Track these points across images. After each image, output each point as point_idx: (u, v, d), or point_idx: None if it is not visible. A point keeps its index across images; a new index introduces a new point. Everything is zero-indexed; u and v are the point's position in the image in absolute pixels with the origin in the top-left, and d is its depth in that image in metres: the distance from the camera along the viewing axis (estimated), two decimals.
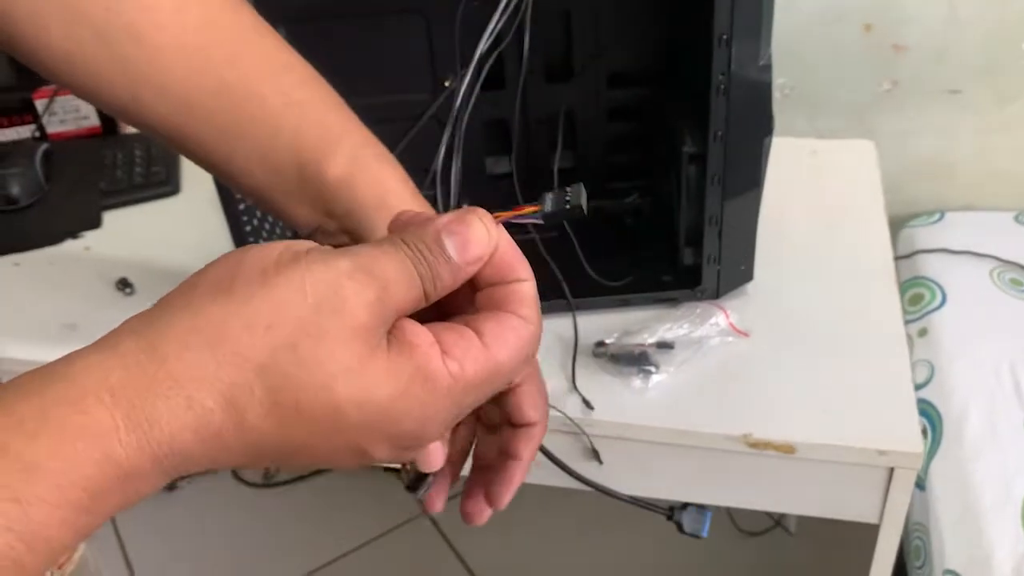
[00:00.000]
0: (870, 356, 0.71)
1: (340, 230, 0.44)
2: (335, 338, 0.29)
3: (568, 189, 0.35)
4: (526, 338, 0.33)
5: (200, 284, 0.30)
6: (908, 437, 0.64)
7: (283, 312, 0.28)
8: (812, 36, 1.14)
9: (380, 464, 0.33)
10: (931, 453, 0.94)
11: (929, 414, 0.97)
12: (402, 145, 0.69)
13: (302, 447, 0.30)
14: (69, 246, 0.94)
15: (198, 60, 0.42)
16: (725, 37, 0.63)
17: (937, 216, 1.22)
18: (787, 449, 0.65)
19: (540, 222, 0.35)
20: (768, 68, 0.66)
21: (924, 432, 0.96)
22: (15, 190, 0.97)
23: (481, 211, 0.33)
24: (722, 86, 0.65)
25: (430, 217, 0.33)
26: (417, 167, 0.62)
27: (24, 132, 1.06)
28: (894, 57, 1.15)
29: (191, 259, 0.88)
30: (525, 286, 0.34)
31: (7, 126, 1.07)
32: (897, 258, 1.18)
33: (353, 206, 0.43)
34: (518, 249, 0.34)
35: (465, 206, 0.34)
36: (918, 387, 1.00)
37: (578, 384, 0.70)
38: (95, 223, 0.95)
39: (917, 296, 1.11)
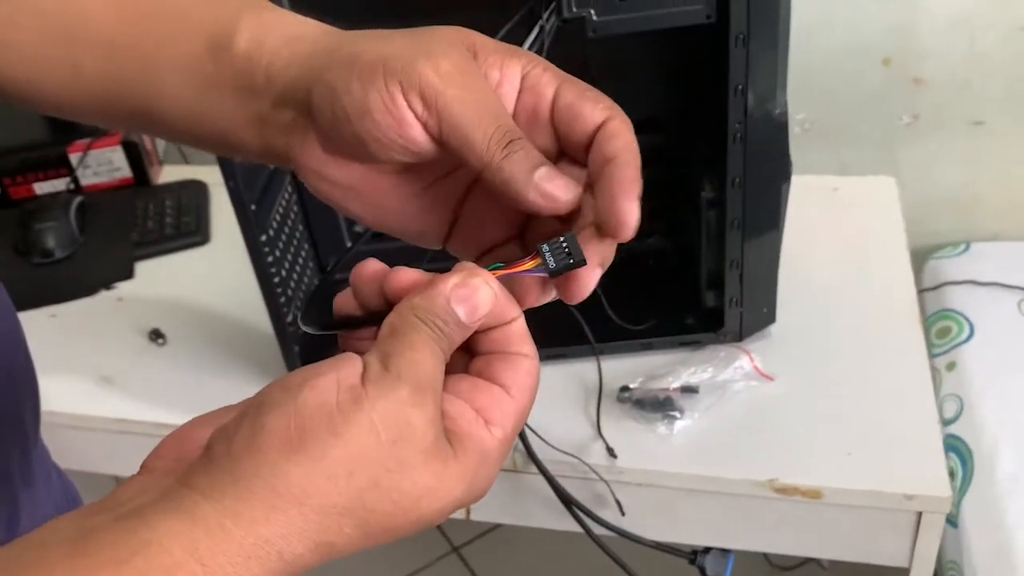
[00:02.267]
0: (895, 398, 0.71)
1: (276, 109, 0.37)
2: (413, 466, 0.30)
3: (563, 239, 0.35)
4: (535, 373, 0.34)
5: (265, 440, 0.29)
6: (935, 481, 0.64)
7: (362, 458, 0.29)
8: (832, 71, 1.15)
9: None
10: (962, 490, 0.93)
11: (959, 450, 0.96)
12: None
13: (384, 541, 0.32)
14: (103, 297, 0.96)
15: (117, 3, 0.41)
16: (740, 87, 0.64)
17: (963, 247, 1.22)
18: (814, 494, 0.65)
19: (544, 274, 0.36)
20: (784, 116, 0.67)
21: (954, 469, 0.95)
22: (51, 243, 0.99)
23: (483, 272, 0.33)
24: (738, 134, 0.66)
25: (433, 281, 0.33)
26: None
27: (59, 185, 1.09)
28: (915, 90, 1.15)
29: (221, 307, 0.90)
30: (518, 323, 0.34)
31: (43, 179, 1.10)
32: (923, 290, 1.18)
33: (272, 68, 0.37)
34: (506, 290, 0.34)
35: (463, 264, 0.34)
36: (947, 422, 1.00)
37: (603, 430, 0.71)
38: (128, 274, 0.98)
39: (945, 329, 1.10)
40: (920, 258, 1.23)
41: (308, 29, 0.37)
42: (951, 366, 1.05)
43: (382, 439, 0.29)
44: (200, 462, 0.30)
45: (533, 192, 0.34)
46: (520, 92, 0.36)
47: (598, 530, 0.68)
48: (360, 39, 0.35)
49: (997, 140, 1.17)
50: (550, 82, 0.36)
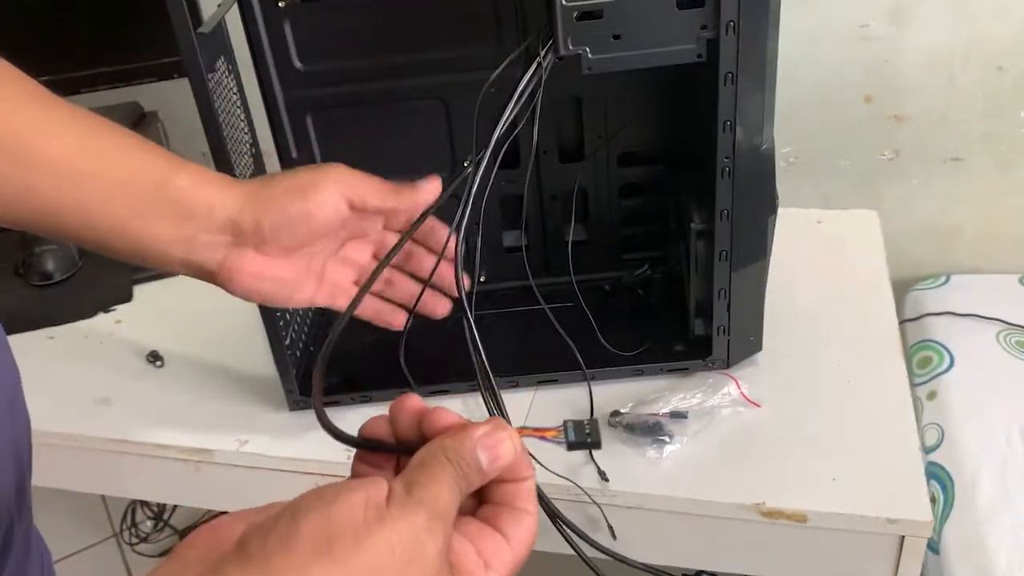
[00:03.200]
0: (878, 425, 0.73)
1: (212, 233, 0.54)
2: None
3: (586, 423, 0.42)
4: (534, 530, 0.39)
5: (298, 542, 0.32)
6: (917, 506, 0.66)
7: (378, 570, 0.32)
8: (815, 107, 1.18)
9: None
10: (943, 517, 0.95)
11: (940, 477, 0.98)
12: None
13: None
14: (101, 320, 0.97)
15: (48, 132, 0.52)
16: (729, 123, 0.66)
17: (943, 279, 1.25)
18: (799, 518, 0.67)
19: (562, 444, 0.41)
20: (771, 151, 0.69)
21: (935, 496, 0.97)
22: (50, 266, 1.01)
23: (509, 428, 0.38)
24: (727, 168, 0.68)
25: (466, 426, 0.38)
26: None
27: None
28: (895, 126, 1.19)
29: (219, 331, 0.92)
30: (529, 483, 0.39)
31: None
32: (904, 321, 1.21)
33: (214, 204, 0.54)
34: (525, 449, 0.39)
35: (495, 418, 0.39)
36: (928, 450, 1.02)
37: (594, 454, 0.72)
38: (127, 297, 0.99)
39: (925, 359, 1.12)
40: (902, 289, 1.26)
41: (230, 182, 0.56)
42: (932, 395, 1.08)
43: (397, 557, 0.33)
44: (233, 554, 0.32)
45: (422, 195, 0.60)
46: None
47: (590, 552, 0.69)
48: (276, 180, 0.57)
49: (975, 176, 1.20)
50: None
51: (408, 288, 0.66)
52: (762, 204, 0.71)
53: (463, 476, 0.36)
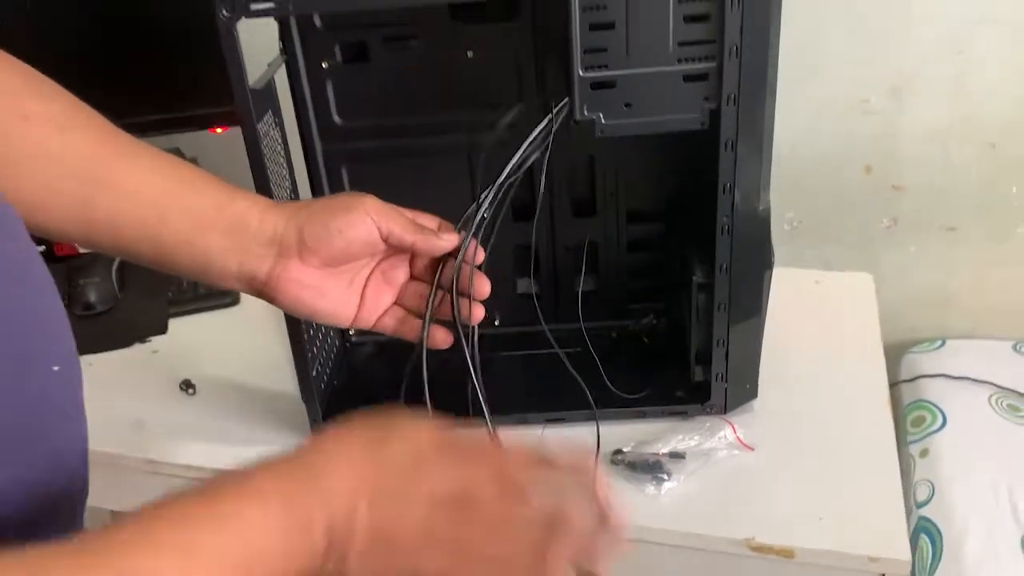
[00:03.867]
0: (864, 471, 0.78)
1: (262, 246, 0.61)
2: None
3: None
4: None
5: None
6: (897, 546, 0.70)
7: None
8: (817, 176, 1.25)
9: None
10: (932, 569, 0.98)
11: (930, 531, 1.02)
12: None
13: None
14: (138, 349, 1.04)
15: (122, 160, 0.59)
16: (729, 185, 0.73)
17: (939, 343, 1.30)
18: (787, 553, 0.71)
19: None
20: (767, 211, 0.75)
21: (924, 550, 1.01)
22: (92, 297, 1.07)
23: None
24: (726, 227, 0.75)
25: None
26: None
27: None
28: (894, 196, 1.25)
29: (248, 363, 0.98)
30: None
31: None
32: (900, 382, 1.26)
33: (264, 220, 0.61)
34: None
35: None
36: (920, 505, 1.06)
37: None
38: (162, 329, 1.06)
39: (919, 419, 1.17)
40: (899, 352, 1.31)
41: (281, 206, 0.62)
42: (924, 453, 1.12)
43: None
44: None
45: (444, 239, 0.64)
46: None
47: None
48: (321, 203, 0.63)
49: (970, 245, 1.26)
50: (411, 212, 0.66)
51: (441, 307, 0.70)
52: (759, 260, 0.77)
53: None
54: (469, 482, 0.45)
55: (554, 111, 0.72)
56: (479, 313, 0.69)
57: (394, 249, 0.64)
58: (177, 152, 1.25)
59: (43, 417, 0.46)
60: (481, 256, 0.67)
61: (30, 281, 0.47)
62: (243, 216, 0.60)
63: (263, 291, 0.61)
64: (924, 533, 1.03)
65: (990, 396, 1.17)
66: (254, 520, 0.41)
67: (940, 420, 1.15)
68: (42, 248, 1.18)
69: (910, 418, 1.18)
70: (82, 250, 1.18)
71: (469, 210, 0.69)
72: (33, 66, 0.58)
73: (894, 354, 1.30)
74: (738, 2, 0.66)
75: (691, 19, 0.68)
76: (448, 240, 0.65)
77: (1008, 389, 1.16)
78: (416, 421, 0.47)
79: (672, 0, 0.67)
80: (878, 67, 1.17)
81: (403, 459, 0.45)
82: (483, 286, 0.67)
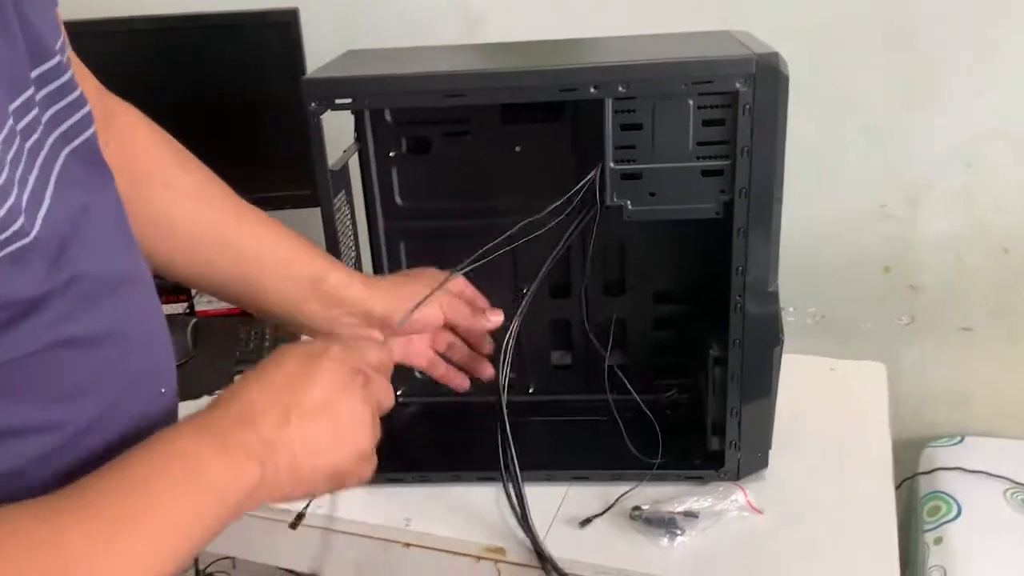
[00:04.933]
0: (864, 540, 0.84)
1: (346, 315, 0.77)
2: None
3: None
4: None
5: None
6: None
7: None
8: (838, 274, 1.33)
9: None
10: None
11: None
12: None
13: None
14: (205, 401, 1.13)
15: (241, 227, 0.74)
16: (740, 268, 0.82)
17: (958, 439, 1.35)
18: None
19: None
20: (775, 293, 0.84)
21: None
22: None
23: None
24: (738, 305, 0.83)
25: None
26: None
27: (178, 308, 1.31)
28: (911, 295, 1.33)
29: None
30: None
31: (165, 303, 1.31)
32: (918, 474, 1.30)
33: (349, 297, 0.76)
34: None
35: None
36: None
37: (615, 539, 0.84)
38: (229, 383, 1.16)
39: (935, 508, 1.22)
40: (919, 446, 1.36)
41: (366, 280, 0.79)
42: (938, 540, 1.16)
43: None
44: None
45: (489, 323, 0.86)
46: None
47: None
48: (401, 283, 0.83)
49: (985, 346, 1.32)
50: (465, 285, 0.89)
51: (463, 352, 0.89)
52: (768, 336, 0.85)
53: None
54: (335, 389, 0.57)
55: (587, 214, 0.84)
56: (488, 369, 0.89)
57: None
58: None
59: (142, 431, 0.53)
60: (496, 321, 0.86)
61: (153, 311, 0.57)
62: (337, 291, 0.75)
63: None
64: None
65: (1005, 490, 1.21)
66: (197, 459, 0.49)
67: (955, 510, 1.19)
68: None
69: (926, 507, 1.23)
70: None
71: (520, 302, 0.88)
72: None
73: (914, 447, 1.35)
74: (749, 110, 0.77)
75: (708, 123, 0.79)
76: (491, 323, 0.86)
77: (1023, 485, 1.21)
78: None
79: (692, 106, 0.79)
80: (894, 176, 1.27)
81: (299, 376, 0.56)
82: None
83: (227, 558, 1.47)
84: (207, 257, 0.69)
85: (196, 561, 1.57)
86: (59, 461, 0.46)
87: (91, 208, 0.48)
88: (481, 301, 0.86)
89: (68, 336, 0.45)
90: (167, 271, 0.70)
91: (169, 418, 0.57)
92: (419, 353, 0.86)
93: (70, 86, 0.50)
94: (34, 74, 0.46)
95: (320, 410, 0.55)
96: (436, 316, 0.81)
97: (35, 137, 0.45)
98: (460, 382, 0.89)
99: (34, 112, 0.45)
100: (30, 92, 0.45)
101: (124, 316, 0.50)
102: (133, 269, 0.52)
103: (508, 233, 0.83)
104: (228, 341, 1.23)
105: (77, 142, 0.49)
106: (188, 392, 1.16)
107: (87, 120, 0.51)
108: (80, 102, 0.51)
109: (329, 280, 0.75)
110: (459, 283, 0.85)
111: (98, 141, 0.52)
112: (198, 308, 1.31)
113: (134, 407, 0.51)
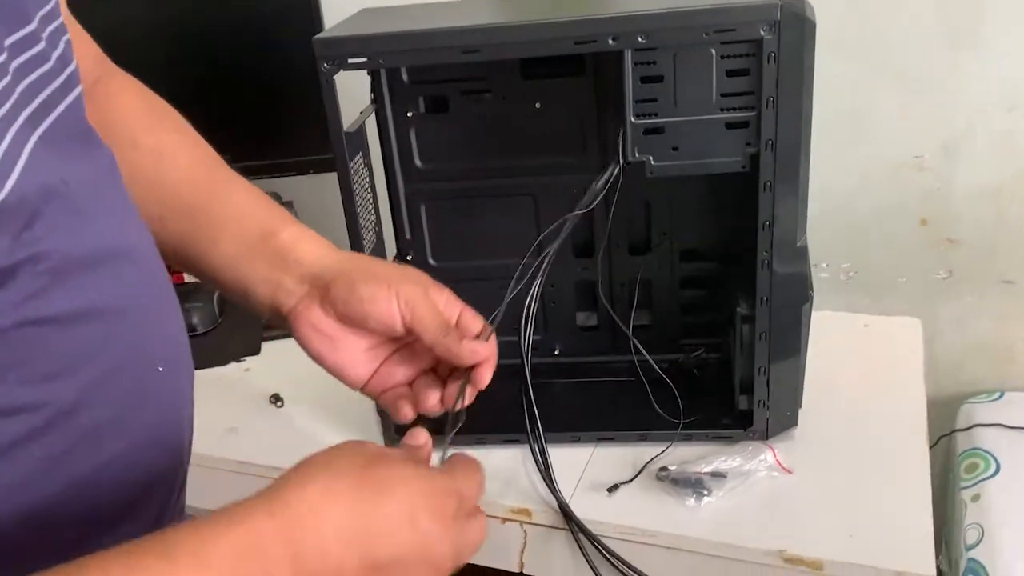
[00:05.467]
0: (897, 497, 0.82)
1: (296, 282, 0.61)
2: None
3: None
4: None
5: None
6: (924, 563, 0.74)
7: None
8: (873, 229, 1.30)
9: None
10: None
11: (978, 573, 1.04)
12: (509, 297, 0.87)
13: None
14: (233, 367, 1.15)
15: (198, 186, 0.65)
16: (768, 223, 0.80)
17: (997, 395, 1.31)
18: (816, 565, 0.76)
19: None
20: (804, 248, 0.82)
21: None
22: (195, 320, 1.20)
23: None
24: (766, 261, 0.81)
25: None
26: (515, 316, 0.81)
27: None
28: (949, 249, 1.28)
29: (331, 382, 1.07)
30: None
31: None
32: (956, 431, 1.28)
33: (304, 259, 0.62)
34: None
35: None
36: (969, 548, 1.08)
37: (642, 500, 0.84)
38: (256, 351, 1.17)
39: (972, 465, 1.19)
40: (957, 402, 1.32)
41: (328, 246, 0.63)
42: (975, 498, 1.14)
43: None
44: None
45: (466, 351, 0.59)
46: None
47: None
48: (367, 261, 0.63)
49: None
50: (454, 303, 0.63)
51: (429, 397, 0.62)
52: (797, 293, 0.83)
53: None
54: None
55: (613, 168, 0.81)
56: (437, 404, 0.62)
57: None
58: (275, 196, 1.38)
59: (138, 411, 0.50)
60: (486, 378, 0.61)
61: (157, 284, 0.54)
62: (285, 249, 0.62)
63: (286, 324, 0.62)
64: (972, 575, 1.04)
65: None
66: None
67: (994, 467, 1.17)
68: None
69: (964, 465, 1.20)
70: (187, 278, 1.31)
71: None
72: None
73: (952, 404, 1.32)
74: (774, 58, 0.74)
75: (732, 73, 0.76)
76: (470, 353, 0.59)
77: None
78: (400, 474, 0.46)
79: (715, 56, 0.76)
80: (931, 124, 1.22)
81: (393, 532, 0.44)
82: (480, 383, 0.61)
83: None
84: (161, 214, 0.62)
85: None
86: (40, 444, 0.43)
87: (70, 181, 0.45)
88: (472, 320, 0.62)
89: (39, 315, 0.43)
90: None
91: (169, 395, 0.54)
92: (391, 390, 0.63)
93: (47, 54, 0.47)
94: (8, 41, 0.44)
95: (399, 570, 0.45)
96: (389, 314, 0.59)
97: (7, 106, 0.42)
98: (405, 412, 0.63)
99: (6, 80, 0.43)
100: (2, 58, 0.43)
101: (109, 293, 0.47)
102: (122, 243, 0.49)
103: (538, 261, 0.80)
104: None
105: (56, 112, 0.47)
106: (216, 359, 1.17)
107: (67, 89, 0.49)
108: (58, 70, 0.48)
109: (282, 235, 0.62)
110: (444, 293, 0.62)
111: (84, 111, 0.50)
112: None
113: (122, 386, 0.48)
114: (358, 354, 0.62)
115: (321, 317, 0.60)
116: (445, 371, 0.63)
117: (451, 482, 0.48)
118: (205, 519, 0.41)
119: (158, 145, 0.65)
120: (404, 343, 0.62)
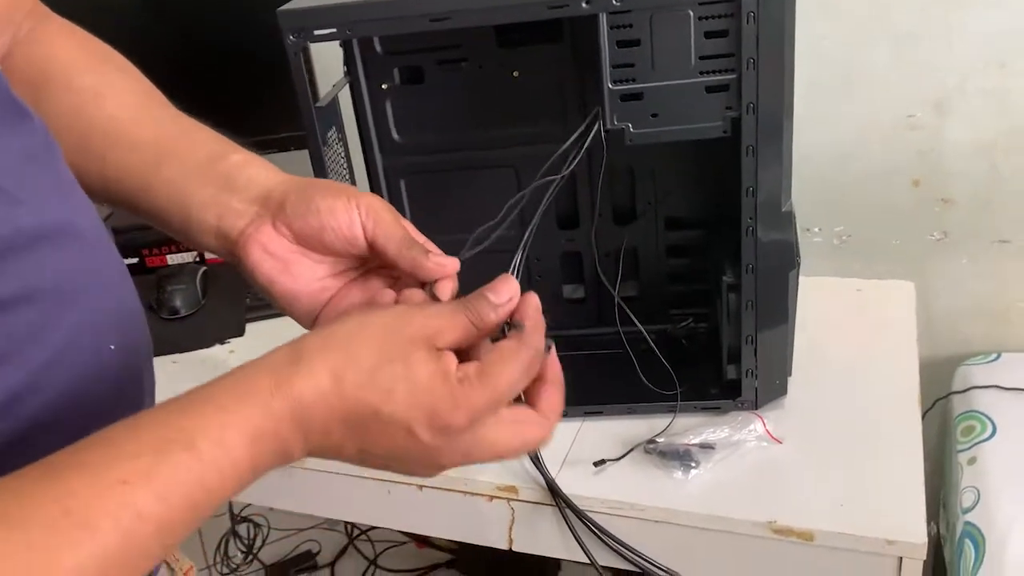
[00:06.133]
0: (888, 466, 0.80)
1: (244, 203, 0.56)
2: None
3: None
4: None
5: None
6: (915, 531, 0.73)
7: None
8: (865, 190, 1.27)
9: None
10: (975, 571, 0.99)
11: (974, 536, 1.03)
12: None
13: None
14: (217, 350, 1.13)
15: (142, 121, 0.60)
16: (751, 189, 0.78)
17: (994, 356, 1.30)
18: (807, 536, 0.75)
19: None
20: (789, 213, 0.80)
21: (968, 554, 1.02)
22: (178, 303, 1.18)
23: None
24: (750, 228, 0.79)
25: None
26: None
27: (188, 257, 1.29)
28: (943, 209, 1.26)
29: None
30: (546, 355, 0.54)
31: (175, 252, 1.30)
32: (952, 393, 1.26)
33: (254, 179, 0.57)
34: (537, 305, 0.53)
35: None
36: (965, 511, 1.07)
37: (629, 474, 0.82)
38: (240, 332, 1.15)
39: (969, 428, 1.18)
40: (953, 364, 1.31)
41: (280, 171, 0.58)
42: (972, 461, 1.13)
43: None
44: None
45: (432, 264, 0.54)
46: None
47: (617, 563, 0.78)
48: (324, 181, 0.59)
49: (1023, 258, 1.26)
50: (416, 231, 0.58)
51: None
52: (783, 260, 0.81)
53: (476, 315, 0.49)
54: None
55: (586, 122, 0.78)
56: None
57: (383, 260, 0.56)
58: None
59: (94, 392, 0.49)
60: (450, 290, 0.55)
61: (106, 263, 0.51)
62: (234, 170, 0.56)
63: (234, 251, 0.56)
64: (968, 538, 1.04)
65: None
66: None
67: (990, 429, 1.15)
68: (134, 260, 1.29)
69: (960, 427, 1.19)
70: (170, 260, 1.30)
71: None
72: None
73: (948, 366, 1.31)
74: (754, 18, 0.71)
75: (711, 34, 0.74)
76: (436, 266, 0.54)
77: None
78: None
79: (693, 17, 0.73)
80: (922, 82, 1.19)
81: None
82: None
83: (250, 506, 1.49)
84: (103, 152, 0.58)
85: (230, 505, 1.60)
86: None
87: None
88: (431, 246, 0.57)
89: None
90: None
91: (123, 374, 0.52)
92: (308, 287, 0.56)
93: None
94: None
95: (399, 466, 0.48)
96: (350, 225, 0.54)
97: None
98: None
99: None
100: None
101: (51, 273, 0.46)
102: (61, 220, 0.48)
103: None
104: (238, 288, 1.21)
105: None
106: (199, 341, 1.16)
107: None
108: None
109: (232, 158, 0.57)
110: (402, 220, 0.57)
111: (7, 83, 0.48)
112: (208, 255, 1.30)
113: (73, 367, 0.47)
114: (312, 282, 0.56)
115: (273, 237, 0.54)
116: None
117: (467, 394, 0.46)
118: (215, 398, 0.46)
119: (98, 84, 0.61)
120: (359, 275, 0.57)
